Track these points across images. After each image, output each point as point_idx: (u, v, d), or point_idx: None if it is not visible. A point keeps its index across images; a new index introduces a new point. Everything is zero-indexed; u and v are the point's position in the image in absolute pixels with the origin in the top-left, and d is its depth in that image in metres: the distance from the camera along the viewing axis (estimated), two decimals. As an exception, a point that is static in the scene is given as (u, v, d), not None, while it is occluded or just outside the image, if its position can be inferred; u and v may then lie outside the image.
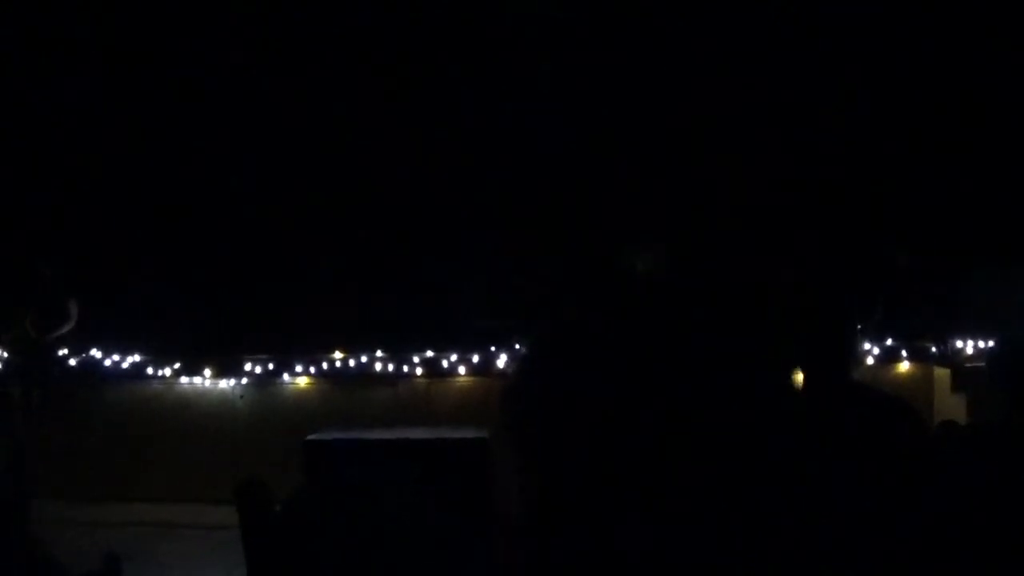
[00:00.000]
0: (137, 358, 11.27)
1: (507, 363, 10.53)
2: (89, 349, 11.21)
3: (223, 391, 11.17)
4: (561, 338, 1.81)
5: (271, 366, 11.12)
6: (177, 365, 11.21)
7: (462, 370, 10.87)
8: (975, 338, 10.41)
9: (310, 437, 8.86)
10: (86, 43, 11.69)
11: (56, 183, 11.72)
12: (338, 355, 11.07)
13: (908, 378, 10.64)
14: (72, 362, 11.17)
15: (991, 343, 9.80)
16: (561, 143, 11.49)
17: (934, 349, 10.71)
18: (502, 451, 1.74)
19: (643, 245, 10.56)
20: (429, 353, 10.99)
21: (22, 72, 11.69)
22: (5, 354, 10.69)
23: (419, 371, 10.97)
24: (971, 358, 10.23)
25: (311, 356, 11.09)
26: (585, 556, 1.68)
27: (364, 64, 11.78)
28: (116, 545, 7.98)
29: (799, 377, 4.64)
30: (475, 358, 10.87)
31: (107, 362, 11.27)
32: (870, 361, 10.42)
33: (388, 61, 11.78)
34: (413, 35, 11.79)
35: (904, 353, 10.72)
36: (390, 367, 10.99)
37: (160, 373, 11.23)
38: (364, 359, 11.04)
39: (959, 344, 10.55)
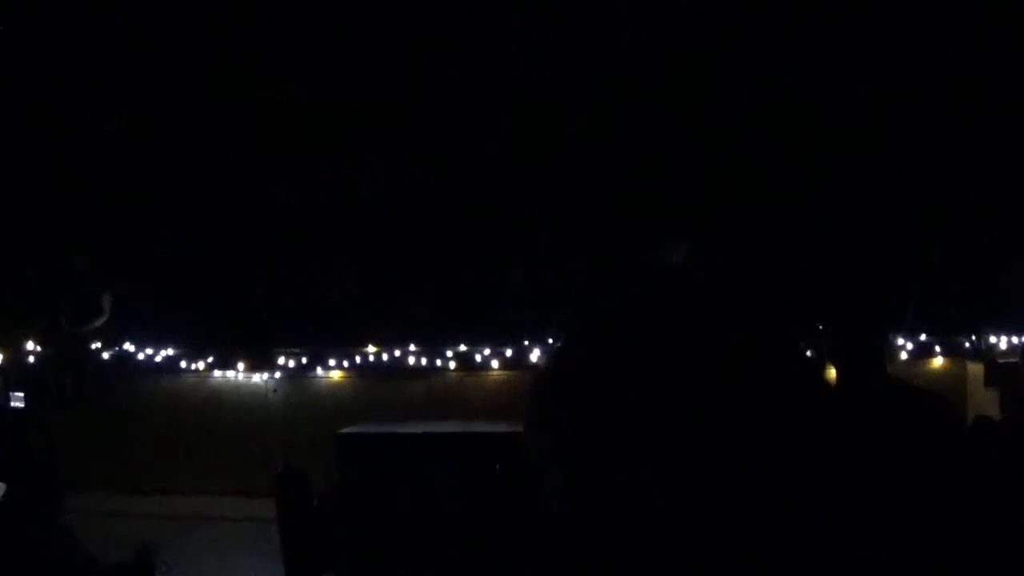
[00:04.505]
0: (171, 352, 11.31)
1: (540, 357, 10.52)
2: (123, 343, 11.26)
3: (256, 385, 11.22)
4: (596, 330, 1.81)
5: (304, 360, 11.15)
6: (211, 359, 11.25)
7: (495, 364, 10.87)
8: (1008, 333, 10.37)
9: (343, 430, 8.92)
10: (129, 46, 11.75)
11: (92, 179, 11.78)
12: (371, 349, 11.09)
13: (942, 373, 10.60)
14: (106, 355, 11.22)
15: (1025, 338, 9.78)
16: (595, 141, 11.47)
17: (967, 344, 10.67)
18: (531, 444, 1.72)
19: (677, 241, 10.55)
20: (462, 347, 11.01)
21: (61, 72, 11.75)
22: (39, 347, 10.78)
23: (452, 365, 10.98)
24: (1004, 353, 10.18)
25: (344, 350, 11.12)
26: (614, 552, 1.68)
27: (400, 67, 11.79)
28: (147, 536, 8.01)
29: (831, 373, 4.63)
30: (508, 352, 10.87)
31: (140, 356, 11.31)
32: (904, 356, 10.40)
33: (420, 66, 11.79)
34: (452, 39, 11.79)
35: (938, 348, 10.68)
36: (423, 361, 11.00)
37: (193, 367, 11.27)
38: (397, 353, 11.05)
39: (992, 339, 10.51)
